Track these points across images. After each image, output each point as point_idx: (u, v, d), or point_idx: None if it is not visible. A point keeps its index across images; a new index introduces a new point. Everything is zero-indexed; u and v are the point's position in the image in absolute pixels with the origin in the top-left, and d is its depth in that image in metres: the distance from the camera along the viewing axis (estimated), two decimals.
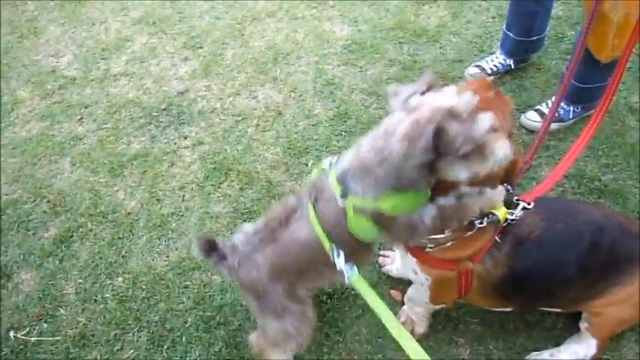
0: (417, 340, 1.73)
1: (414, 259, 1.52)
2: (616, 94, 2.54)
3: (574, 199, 2.13)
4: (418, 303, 1.74)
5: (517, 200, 1.47)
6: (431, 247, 1.45)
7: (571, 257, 1.50)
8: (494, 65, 2.63)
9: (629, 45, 1.78)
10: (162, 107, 2.69)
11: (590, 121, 1.88)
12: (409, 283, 1.83)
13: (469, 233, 1.40)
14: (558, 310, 1.70)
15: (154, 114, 2.66)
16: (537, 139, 1.67)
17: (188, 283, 2.01)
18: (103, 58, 3.02)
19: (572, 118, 2.38)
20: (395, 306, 1.87)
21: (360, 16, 3.12)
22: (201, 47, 3.02)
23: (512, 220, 1.44)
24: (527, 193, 1.53)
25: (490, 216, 1.41)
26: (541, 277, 1.51)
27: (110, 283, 2.04)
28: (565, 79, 1.79)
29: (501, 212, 1.43)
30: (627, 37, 1.82)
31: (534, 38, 2.52)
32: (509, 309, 1.71)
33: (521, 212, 1.45)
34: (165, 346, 1.85)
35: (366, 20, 3.09)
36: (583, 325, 1.66)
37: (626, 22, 1.88)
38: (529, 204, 1.46)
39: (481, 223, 1.40)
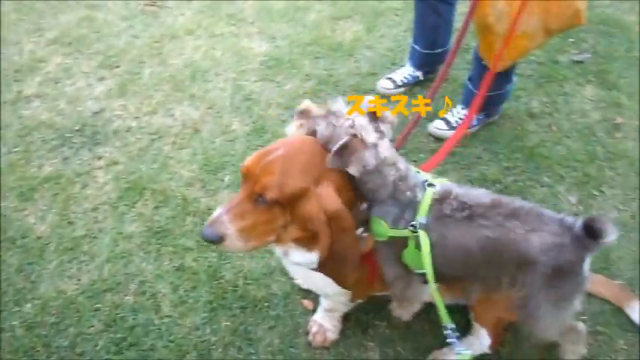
0: (327, 348, 1.82)
1: None
2: (517, 100, 2.71)
3: None
4: (340, 307, 1.77)
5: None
6: None
7: None
8: (405, 77, 2.74)
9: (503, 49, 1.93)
10: (76, 128, 2.64)
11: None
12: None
13: None
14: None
15: (68, 135, 2.61)
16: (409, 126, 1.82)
17: (99, 305, 1.97)
18: (15, 80, 2.94)
19: (476, 125, 2.51)
20: (307, 315, 1.91)
21: (279, 32, 3.19)
22: (117, 66, 3.00)
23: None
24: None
25: None
26: None
27: (18, 310, 1.98)
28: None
29: None
30: (514, 47, 1.99)
31: (439, 51, 2.64)
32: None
33: None
34: None
35: (283, 36, 3.16)
36: (471, 315, 1.70)
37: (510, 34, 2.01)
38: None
39: None
